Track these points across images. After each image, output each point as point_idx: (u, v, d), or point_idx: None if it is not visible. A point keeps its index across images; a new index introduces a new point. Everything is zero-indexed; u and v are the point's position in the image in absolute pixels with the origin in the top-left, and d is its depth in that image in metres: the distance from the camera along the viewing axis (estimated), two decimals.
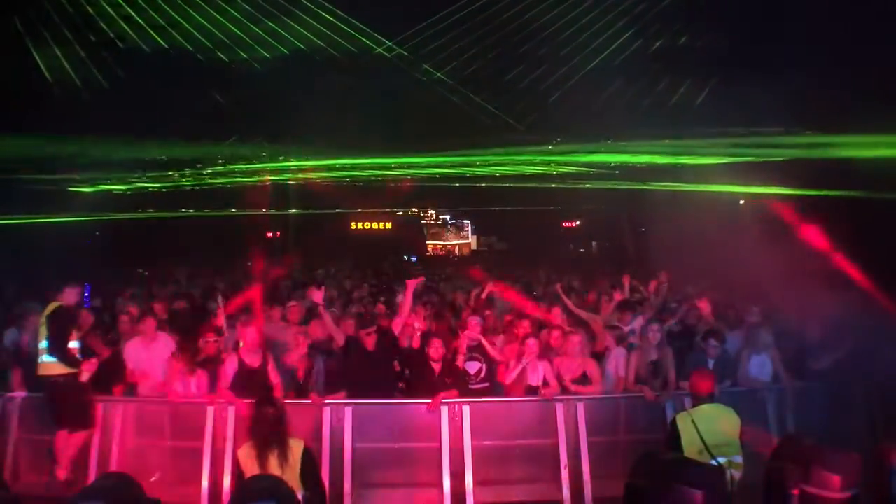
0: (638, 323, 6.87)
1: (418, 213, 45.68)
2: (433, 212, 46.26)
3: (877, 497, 2.35)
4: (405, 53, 25.30)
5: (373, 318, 6.95)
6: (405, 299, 6.41)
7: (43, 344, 5.61)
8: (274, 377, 5.84)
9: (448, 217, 46.44)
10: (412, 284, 6.46)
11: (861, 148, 15.40)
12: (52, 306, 5.74)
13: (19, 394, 6.06)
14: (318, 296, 6.30)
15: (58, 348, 5.59)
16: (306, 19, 24.74)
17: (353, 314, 7.63)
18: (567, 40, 25.19)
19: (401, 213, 43.14)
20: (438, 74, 25.32)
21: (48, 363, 5.59)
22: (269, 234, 30.80)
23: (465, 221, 46.04)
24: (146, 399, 6.14)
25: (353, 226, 39.62)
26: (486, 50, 25.51)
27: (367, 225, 40.41)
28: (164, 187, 25.55)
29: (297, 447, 3.86)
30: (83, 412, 5.65)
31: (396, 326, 6.28)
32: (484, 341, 6.33)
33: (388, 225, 41.09)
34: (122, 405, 5.91)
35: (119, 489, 2.58)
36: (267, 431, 3.87)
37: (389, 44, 25.17)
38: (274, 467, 3.72)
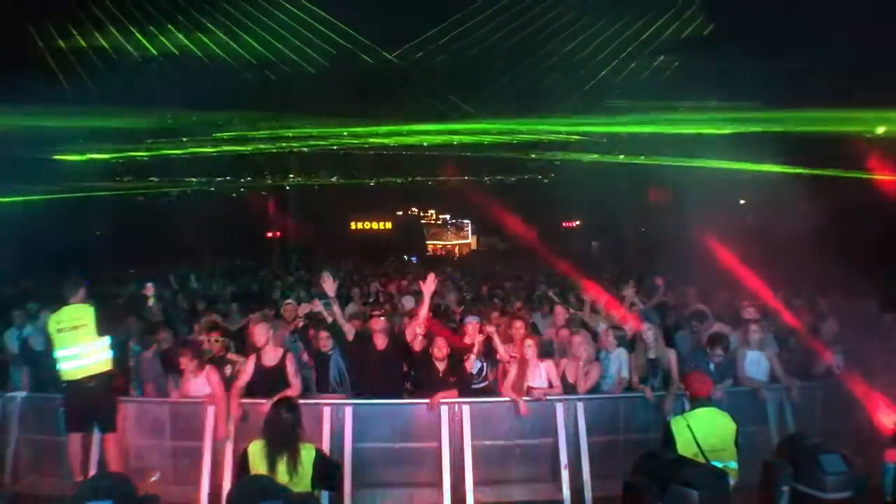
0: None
1: (418, 212, 45.71)
2: (433, 211, 46.28)
3: (874, 497, 2.35)
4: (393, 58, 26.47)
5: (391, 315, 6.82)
6: (423, 303, 6.17)
7: (79, 347, 5.45)
8: (292, 377, 5.74)
9: (448, 217, 46.44)
10: (431, 288, 6.13)
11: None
12: (87, 310, 5.55)
13: (20, 394, 6.06)
14: (330, 287, 6.06)
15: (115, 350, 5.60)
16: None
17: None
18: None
19: (401, 213, 43.20)
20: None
21: (84, 366, 5.46)
22: (269, 234, 30.97)
23: (465, 221, 46.05)
24: (146, 399, 6.14)
25: (353, 226, 39.65)
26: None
27: (367, 225, 40.43)
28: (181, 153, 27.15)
29: (307, 454, 3.82)
30: (115, 414, 5.64)
31: (412, 333, 6.07)
32: (496, 338, 6.25)
33: (388, 225, 41.10)
34: (122, 405, 5.89)
35: (120, 487, 2.59)
36: (280, 436, 3.83)
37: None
38: (282, 473, 3.70)
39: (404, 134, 27.67)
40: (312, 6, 26.23)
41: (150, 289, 6.68)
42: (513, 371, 5.99)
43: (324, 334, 6.22)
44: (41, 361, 6.32)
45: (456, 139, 28.47)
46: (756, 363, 6.24)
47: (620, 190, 26.39)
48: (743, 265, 9.49)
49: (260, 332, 5.83)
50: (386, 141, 28.72)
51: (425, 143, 28.72)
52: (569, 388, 6.03)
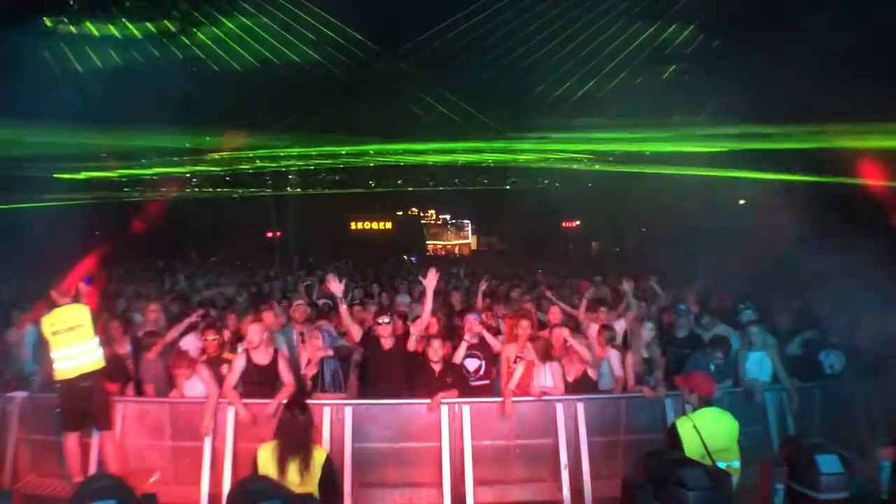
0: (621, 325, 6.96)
1: (418, 213, 45.76)
2: (433, 211, 46.34)
3: (871, 496, 2.35)
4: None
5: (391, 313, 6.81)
6: (426, 300, 6.16)
7: (75, 347, 5.46)
8: (285, 376, 5.74)
9: (448, 217, 46.49)
10: (432, 283, 6.08)
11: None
12: (82, 310, 5.55)
13: (20, 394, 6.06)
14: (336, 287, 6.01)
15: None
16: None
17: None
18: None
19: (401, 213, 43.27)
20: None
21: (79, 366, 5.47)
22: (269, 234, 31.03)
23: (465, 221, 46.10)
24: (146, 399, 6.14)
25: (353, 226, 39.67)
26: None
27: (368, 225, 40.45)
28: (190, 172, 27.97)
29: (319, 456, 3.83)
30: (110, 411, 5.64)
31: (418, 330, 6.08)
32: (486, 333, 6.26)
33: (388, 225, 41.12)
34: (121, 405, 5.90)
35: (119, 487, 2.59)
36: (295, 437, 3.81)
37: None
38: (293, 473, 3.69)
39: (401, 153, 27.89)
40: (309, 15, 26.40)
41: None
42: (518, 371, 5.97)
43: (318, 334, 6.23)
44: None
45: (460, 159, 28.74)
46: (758, 363, 6.24)
47: (620, 190, 26.47)
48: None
49: (254, 333, 5.81)
50: (386, 159, 28.90)
51: (430, 162, 28.98)
52: (569, 388, 6.02)
